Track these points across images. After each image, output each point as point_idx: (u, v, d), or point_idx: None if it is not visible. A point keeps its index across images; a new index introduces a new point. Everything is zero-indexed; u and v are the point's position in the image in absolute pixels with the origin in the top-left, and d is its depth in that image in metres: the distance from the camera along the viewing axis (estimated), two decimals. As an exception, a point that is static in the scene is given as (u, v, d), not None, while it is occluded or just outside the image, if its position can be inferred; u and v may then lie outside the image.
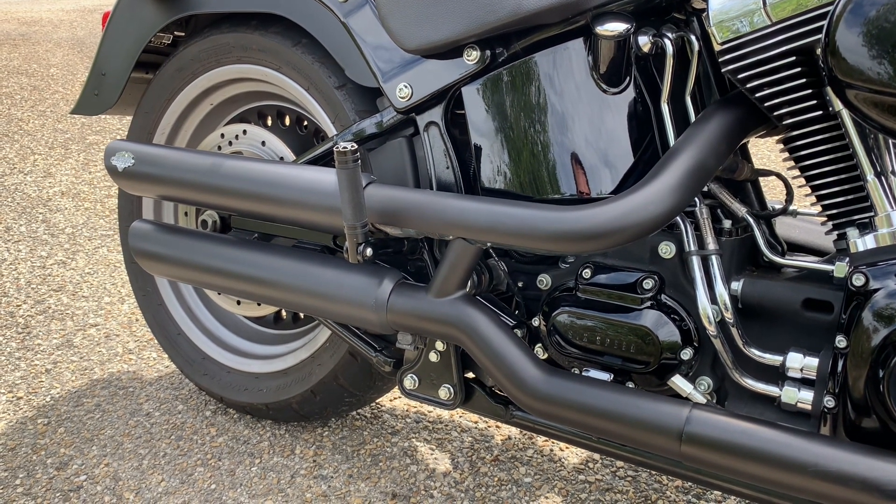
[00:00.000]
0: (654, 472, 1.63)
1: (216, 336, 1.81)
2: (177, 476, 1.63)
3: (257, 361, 1.74)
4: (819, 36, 1.00)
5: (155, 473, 1.64)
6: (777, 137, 1.18)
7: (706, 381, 1.18)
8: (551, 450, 1.71)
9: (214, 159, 1.43)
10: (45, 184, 3.54)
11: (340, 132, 1.44)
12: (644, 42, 1.17)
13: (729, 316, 1.11)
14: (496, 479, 1.62)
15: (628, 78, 1.19)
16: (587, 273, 1.23)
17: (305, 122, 1.67)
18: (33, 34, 6.94)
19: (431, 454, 1.70)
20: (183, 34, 1.75)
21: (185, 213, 1.80)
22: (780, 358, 1.10)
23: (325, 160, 1.47)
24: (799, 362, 1.08)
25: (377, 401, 1.86)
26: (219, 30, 1.62)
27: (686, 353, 1.15)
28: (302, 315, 1.73)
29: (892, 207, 1.03)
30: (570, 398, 1.13)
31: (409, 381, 1.38)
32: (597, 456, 1.69)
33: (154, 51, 1.74)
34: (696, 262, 1.13)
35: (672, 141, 1.18)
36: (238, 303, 1.71)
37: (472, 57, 1.25)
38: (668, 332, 1.15)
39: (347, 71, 1.43)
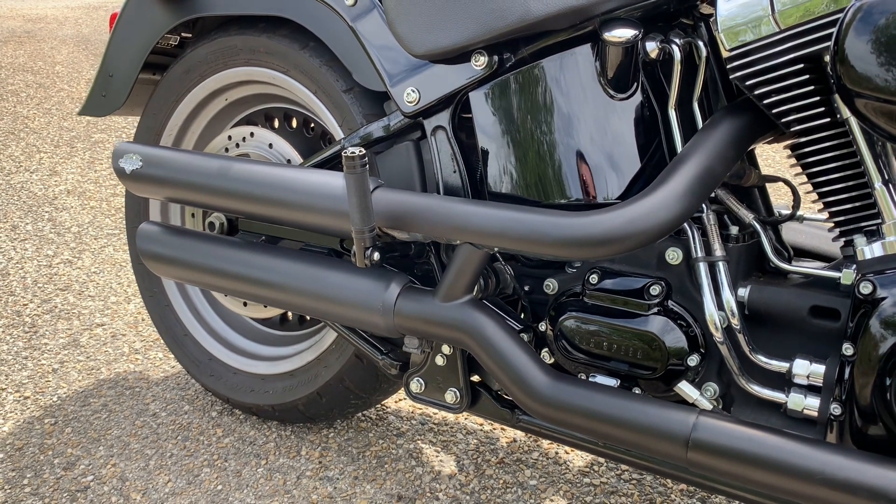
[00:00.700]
0: (658, 476, 1.63)
1: (223, 337, 1.82)
2: (183, 477, 1.64)
3: (263, 363, 1.74)
4: (827, 44, 1.01)
5: (161, 474, 1.65)
6: (785, 143, 1.18)
7: (712, 387, 1.18)
8: (556, 453, 1.72)
9: (222, 162, 1.43)
10: (50, 182, 3.54)
11: (348, 135, 1.44)
12: (652, 48, 1.17)
13: (735, 322, 1.12)
14: (501, 481, 1.62)
15: (636, 83, 1.20)
16: (594, 278, 1.24)
17: (312, 125, 1.67)
18: (38, 31, 6.95)
19: (437, 456, 1.70)
20: (190, 35, 1.76)
21: (192, 215, 1.81)
22: (787, 364, 1.10)
23: (333, 164, 1.48)
24: (805, 369, 1.08)
25: (383, 402, 1.87)
26: (226, 32, 1.63)
27: (693, 360, 1.16)
28: (308, 317, 1.73)
29: (900, 215, 1.03)
30: (576, 403, 1.14)
31: (416, 385, 1.38)
32: (602, 459, 1.69)
33: (161, 52, 1.75)
34: (703, 268, 1.13)
35: (679, 147, 1.18)
36: (244, 304, 1.71)
37: (479, 62, 1.25)
38: (674, 338, 1.15)
39: (355, 75, 1.43)
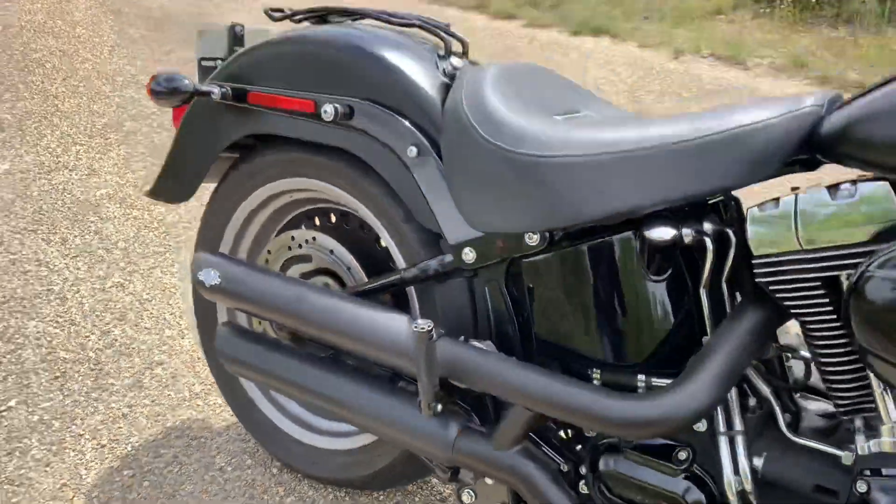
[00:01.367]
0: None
1: (285, 408, 2.01)
2: (254, 540, 1.87)
3: (325, 437, 1.95)
4: (848, 269, 1.16)
5: (235, 537, 1.88)
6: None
7: None
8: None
9: (298, 289, 1.60)
10: (90, 183, 3.69)
11: (406, 268, 1.60)
12: (687, 234, 1.32)
13: (749, 489, 1.31)
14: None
15: (670, 267, 1.36)
16: (629, 434, 1.42)
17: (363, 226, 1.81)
18: (55, -14, 6.89)
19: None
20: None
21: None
22: (794, 531, 1.29)
23: (394, 287, 1.64)
24: (810, 540, 1.28)
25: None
26: (297, 145, 1.74)
27: (710, 517, 1.35)
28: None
29: (896, 420, 1.20)
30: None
31: (467, 496, 1.58)
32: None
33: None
34: (724, 441, 1.32)
35: (708, 325, 1.35)
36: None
37: (533, 239, 1.41)
38: (695, 498, 1.34)
39: (416, 216, 1.57)
